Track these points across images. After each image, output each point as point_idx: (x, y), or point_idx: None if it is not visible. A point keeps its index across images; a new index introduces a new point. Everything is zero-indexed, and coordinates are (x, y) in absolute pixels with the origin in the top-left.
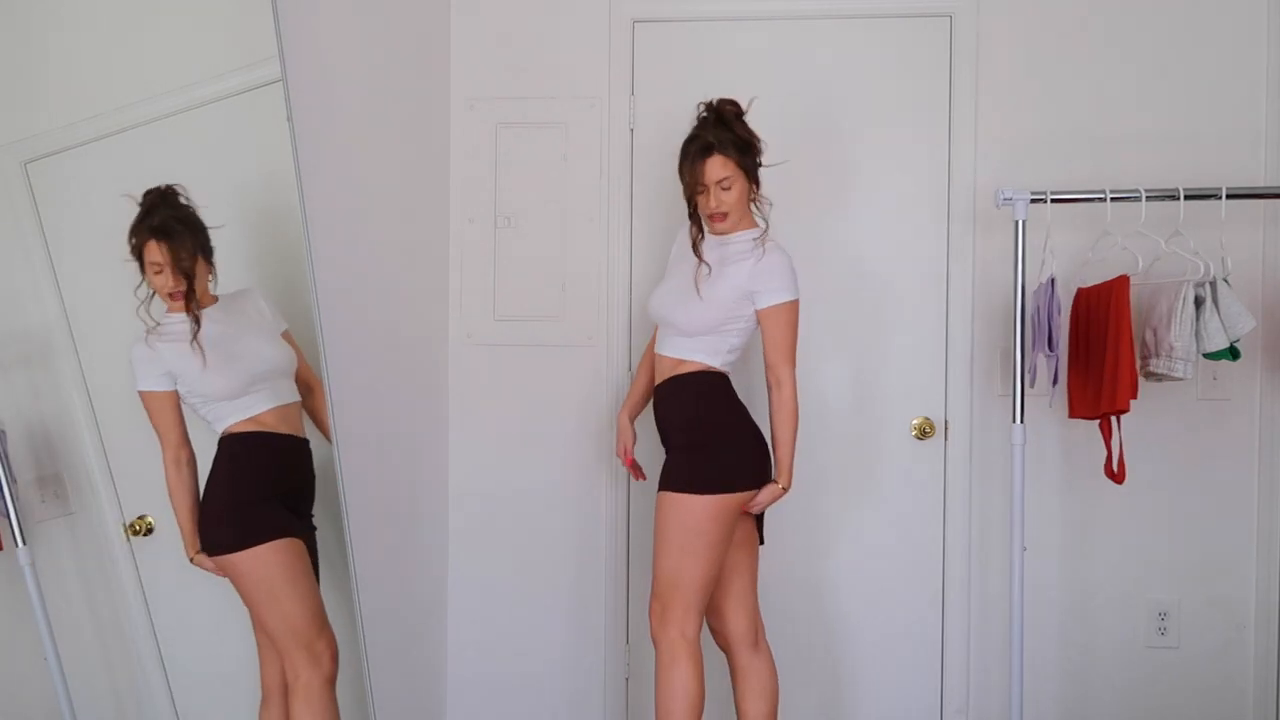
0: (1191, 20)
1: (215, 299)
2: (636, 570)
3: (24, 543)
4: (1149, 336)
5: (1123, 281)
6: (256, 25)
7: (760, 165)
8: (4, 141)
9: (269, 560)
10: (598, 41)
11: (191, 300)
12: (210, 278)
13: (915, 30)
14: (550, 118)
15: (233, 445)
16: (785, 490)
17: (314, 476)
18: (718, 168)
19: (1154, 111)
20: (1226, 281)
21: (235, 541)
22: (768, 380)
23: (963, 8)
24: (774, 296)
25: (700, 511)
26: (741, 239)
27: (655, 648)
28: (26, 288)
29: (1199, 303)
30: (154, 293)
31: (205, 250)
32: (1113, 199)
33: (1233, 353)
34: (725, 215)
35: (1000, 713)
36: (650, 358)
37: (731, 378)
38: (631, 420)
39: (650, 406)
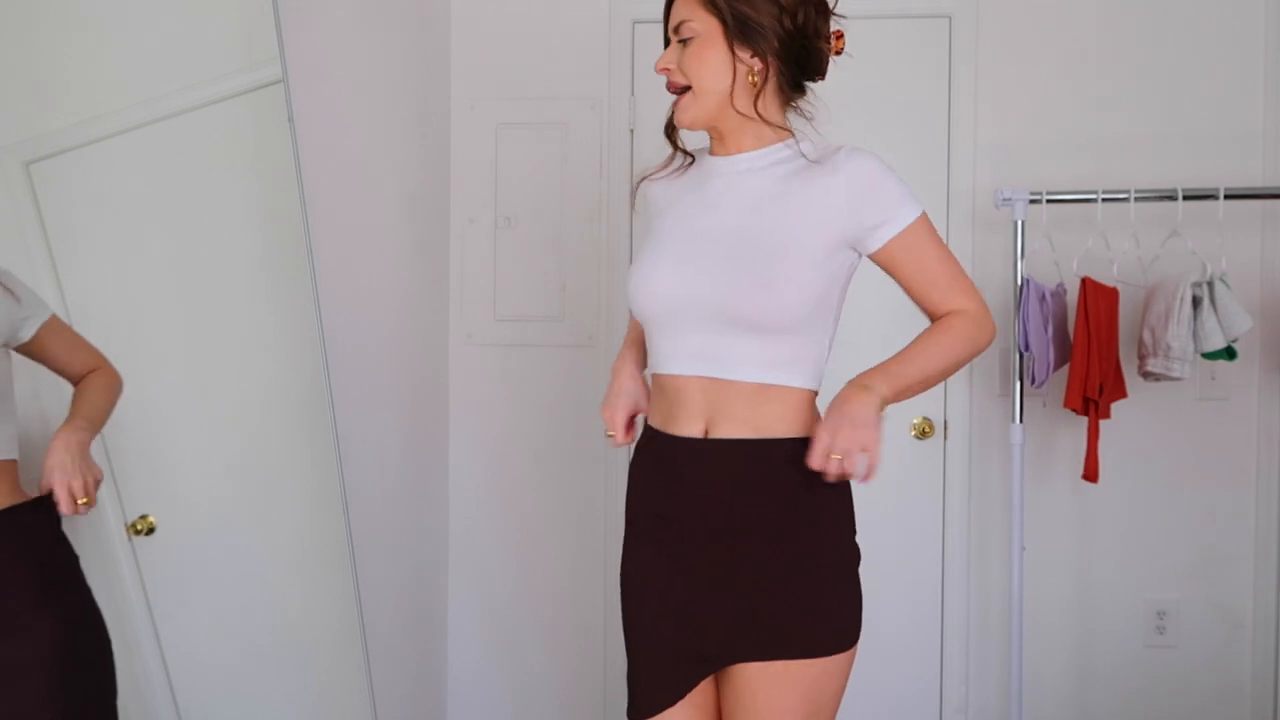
0: (1190, 21)
1: None
2: None
3: None
4: (1146, 336)
5: (1083, 284)
6: (257, 26)
7: (790, 34)
8: (6, 142)
9: None
10: (598, 41)
11: None
12: None
13: (915, 30)
14: (550, 118)
15: None
16: (873, 399)
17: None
18: (679, 4)
19: (1152, 112)
20: (1224, 281)
21: None
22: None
23: (962, 8)
24: (903, 213)
25: (846, 675)
26: (771, 152)
27: None
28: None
29: (1196, 303)
30: None
31: None
32: (1111, 199)
33: (1229, 353)
34: (680, 89)
35: (1000, 712)
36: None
37: None
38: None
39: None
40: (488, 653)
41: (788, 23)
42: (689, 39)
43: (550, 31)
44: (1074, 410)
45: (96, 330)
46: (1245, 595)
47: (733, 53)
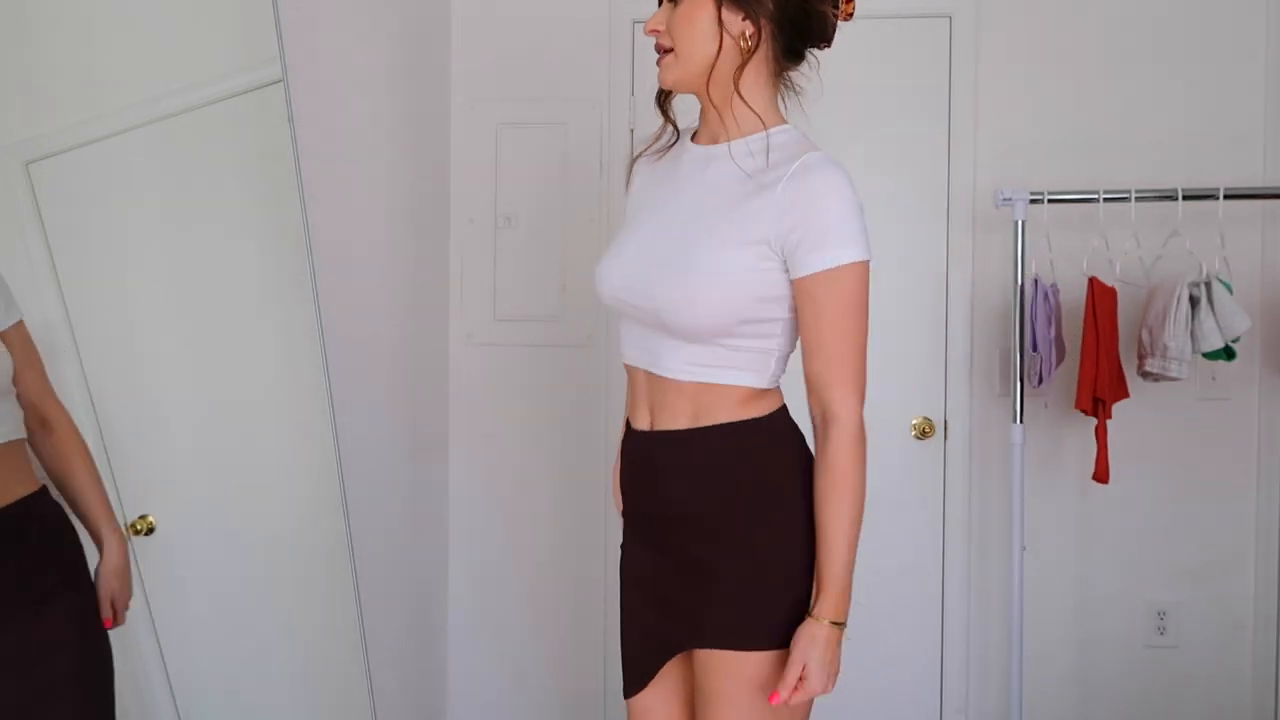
0: (1191, 21)
1: None
2: None
3: None
4: (1145, 336)
5: (1089, 284)
6: (257, 26)
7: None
8: (6, 142)
9: None
10: (598, 41)
11: None
12: None
13: (915, 30)
14: (550, 118)
15: None
16: (837, 632)
17: (54, 542)
18: None
19: (1153, 111)
20: (1223, 281)
21: None
22: (812, 414)
23: (963, 8)
24: (837, 252)
25: (769, 675)
26: (742, 146)
27: None
28: (27, 288)
29: (1195, 303)
30: None
31: None
32: (1111, 199)
33: (1228, 353)
34: (665, 50)
35: (1000, 713)
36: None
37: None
38: None
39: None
40: (488, 653)
41: None
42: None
43: (550, 31)
44: (1084, 411)
45: (96, 330)
46: (1246, 595)
47: (720, 15)
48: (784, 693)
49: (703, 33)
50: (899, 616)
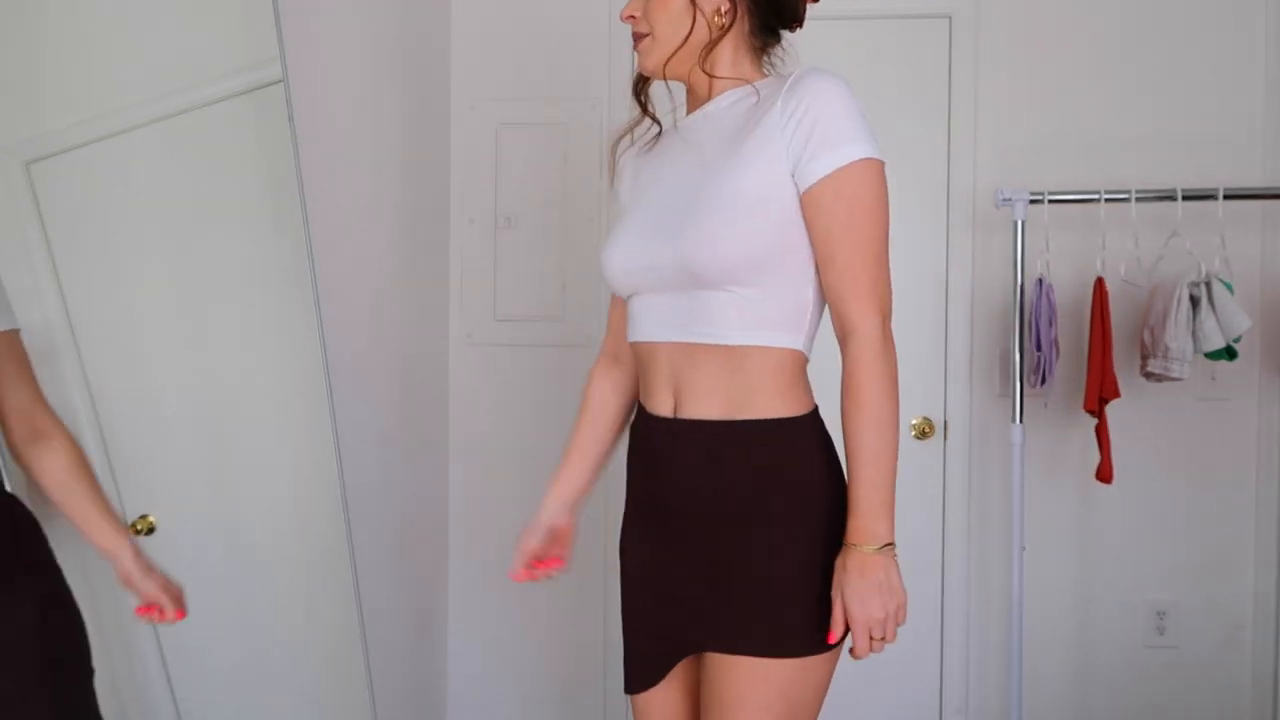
0: (1190, 21)
1: None
2: None
3: None
4: (1146, 336)
5: (1096, 284)
6: (257, 26)
7: None
8: (6, 142)
9: None
10: (598, 41)
11: None
12: None
13: (915, 31)
14: (550, 118)
15: None
16: (876, 557)
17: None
18: None
19: (1153, 112)
20: (1223, 281)
21: None
22: (838, 337)
23: (962, 8)
24: (846, 149)
25: (820, 681)
26: (725, 99)
27: None
28: (27, 288)
29: (1195, 303)
30: None
31: None
32: (1111, 199)
33: (1229, 353)
34: (641, 35)
35: (999, 712)
36: (610, 381)
37: None
38: (570, 510)
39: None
40: (488, 653)
41: None
42: None
43: (550, 31)
44: (1091, 412)
45: (96, 330)
46: (1245, 595)
47: None
48: (860, 653)
49: (677, 13)
50: None
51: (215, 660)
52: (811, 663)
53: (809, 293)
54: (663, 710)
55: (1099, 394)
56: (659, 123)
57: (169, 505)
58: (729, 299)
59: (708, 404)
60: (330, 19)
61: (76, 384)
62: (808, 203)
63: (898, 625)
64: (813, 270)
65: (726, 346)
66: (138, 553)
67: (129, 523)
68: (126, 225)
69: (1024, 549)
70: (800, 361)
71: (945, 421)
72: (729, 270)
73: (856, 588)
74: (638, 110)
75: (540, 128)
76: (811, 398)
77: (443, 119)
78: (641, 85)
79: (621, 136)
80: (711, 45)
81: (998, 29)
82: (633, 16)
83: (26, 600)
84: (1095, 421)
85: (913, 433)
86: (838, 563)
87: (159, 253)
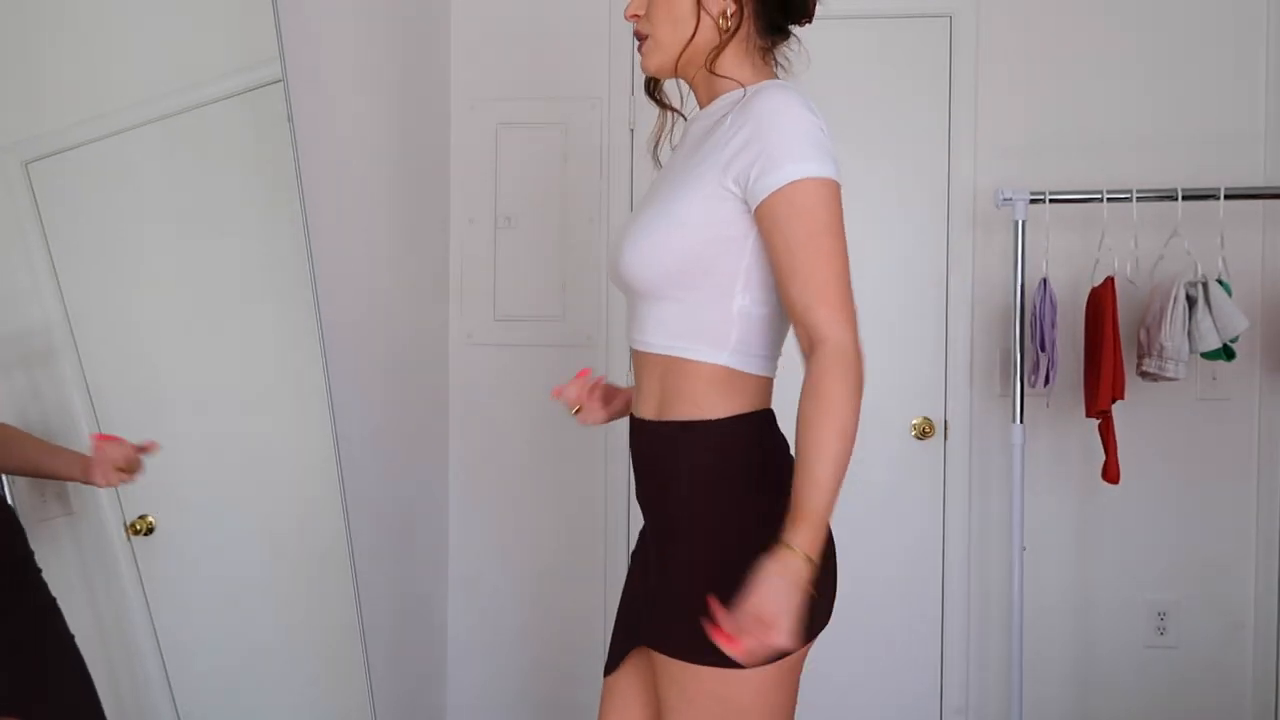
0: (1191, 20)
1: None
2: None
3: None
4: (1142, 336)
5: (1108, 283)
6: (257, 25)
7: None
8: (5, 142)
9: None
10: (598, 41)
11: None
12: None
13: (915, 30)
14: (550, 118)
15: None
16: (807, 569)
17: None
18: None
19: (1153, 112)
20: (1221, 282)
21: None
22: (802, 343)
23: (963, 8)
24: (786, 169)
25: (751, 699)
26: (717, 105)
27: None
28: (26, 288)
29: (1192, 303)
30: None
31: None
32: (1111, 199)
33: (1227, 353)
34: (643, 36)
35: (1000, 713)
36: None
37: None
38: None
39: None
40: (487, 653)
41: None
42: None
43: (550, 31)
44: (1102, 412)
45: (96, 330)
46: (1245, 595)
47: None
48: (727, 627)
49: (682, 15)
50: (899, 617)
51: (215, 660)
52: (735, 676)
53: (735, 307)
54: (621, 695)
55: (1111, 394)
56: (682, 114)
57: (169, 505)
58: (661, 309)
59: (647, 405)
60: (330, 19)
61: (76, 384)
62: (761, 217)
63: (770, 644)
64: (743, 280)
65: (657, 355)
66: (103, 462)
67: (129, 522)
68: (126, 225)
69: (1024, 549)
70: (726, 376)
71: (945, 421)
72: (647, 278)
73: (781, 594)
74: (657, 111)
75: (540, 128)
76: (751, 399)
77: (443, 119)
78: (655, 84)
79: (657, 144)
80: (720, 49)
81: (998, 29)
82: (636, 16)
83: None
84: (1096, 422)
85: (913, 433)
86: (774, 558)
87: (158, 253)
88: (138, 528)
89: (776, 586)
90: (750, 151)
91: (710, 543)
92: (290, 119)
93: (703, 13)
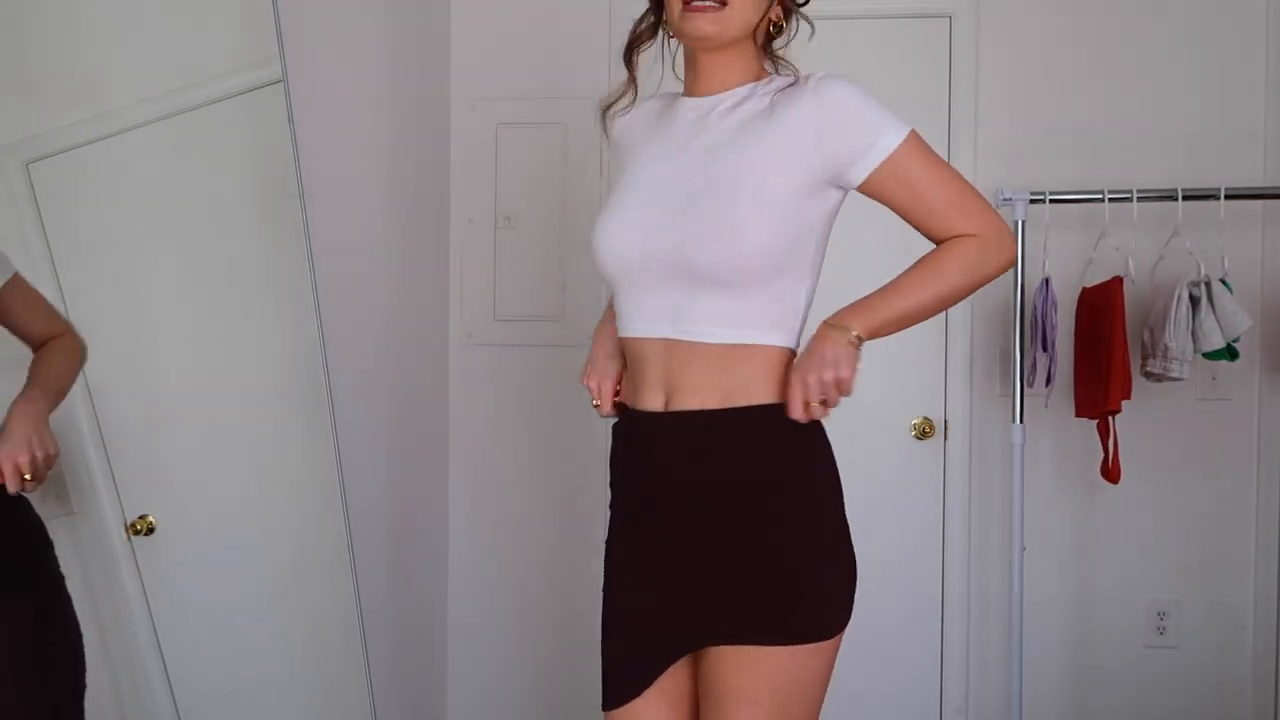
0: (1191, 20)
1: None
2: None
3: None
4: (1146, 336)
5: (1116, 283)
6: (257, 26)
7: None
8: (6, 141)
9: None
10: (598, 41)
11: None
12: None
13: (915, 30)
14: (550, 118)
15: None
16: (848, 336)
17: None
18: None
19: (1154, 112)
20: (1224, 282)
21: None
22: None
23: (963, 8)
24: (884, 140)
25: (823, 669)
26: (742, 91)
27: None
28: None
29: (1195, 303)
30: None
31: None
32: (1111, 199)
33: (1230, 352)
34: (723, 3)
35: (999, 713)
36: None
37: None
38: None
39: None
40: (488, 652)
41: None
42: None
43: (550, 31)
44: (1114, 411)
45: (95, 330)
46: (1245, 595)
47: None
48: (795, 412)
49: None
50: (899, 616)
51: (215, 660)
52: (809, 651)
53: (804, 293)
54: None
55: (1122, 394)
56: (636, 93)
57: (169, 505)
58: (729, 297)
59: (701, 398)
60: (330, 19)
61: (76, 384)
62: (872, 190)
63: (839, 394)
64: (809, 272)
65: (723, 345)
66: (34, 415)
67: (129, 522)
68: (126, 225)
69: (1024, 549)
70: (790, 359)
71: (945, 421)
72: (739, 268)
73: (802, 361)
74: (625, 76)
75: (540, 128)
76: None
77: (443, 119)
78: (632, 52)
79: (612, 103)
80: (773, 37)
81: (998, 29)
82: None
83: (8, 613)
84: (1096, 421)
85: (913, 433)
86: (819, 331)
87: (158, 253)
88: (138, 528)
89: (833, 340)
90: (836, 127)
91: (813, 517)
92: (290, 119)
93: (770, 6)
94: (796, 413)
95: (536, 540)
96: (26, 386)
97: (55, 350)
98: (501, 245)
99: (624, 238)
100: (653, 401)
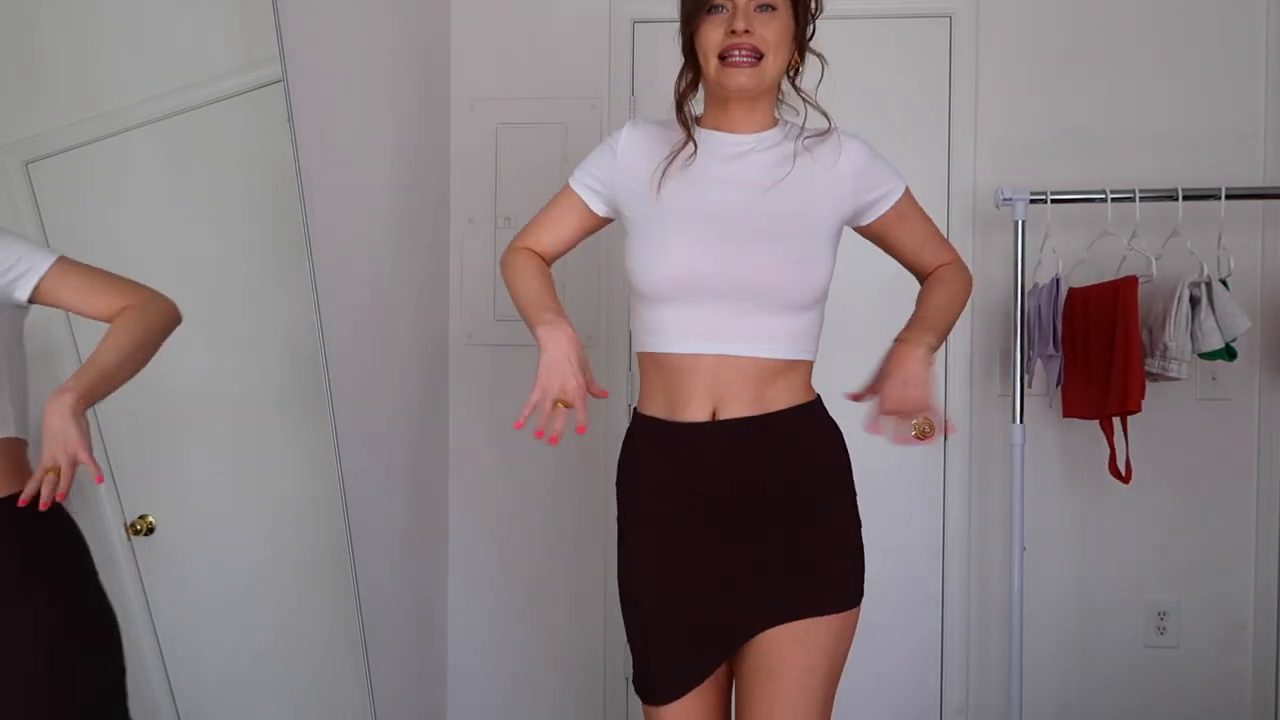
0: (1191, 20)
1: None
2: None
3: None
4: (1145, 336)
5: (1130, 282)
6: (257, 25)
7: (813, 25)
8: (5, 141)
9: None
10: (598, 41)
11: None
12: None
13: (915, 30)
14: (550, 118)
15: None
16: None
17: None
18: None
19: (1154, 111)
20: (1224, 282)
21: None
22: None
23: (963, 8)
24: (897, 186)
25: (854, 630)
26: (777, 134)
27: None
28: None
29: (1194, 303)
30: None
31: None
32: (1112, 199)
33: (1229, 353)
34: (758, 58)
35: (1000, 712)
36: (546, 279)
37: None
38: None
39: None
40: (488, 653)
41: (813, 14)
42: (772, 7)
43: (550, 31)
44: (1134, 410)
45: (95, 330)
46: (1246, 595)
47: (797, 32)
48: (884, 427)
49: (787, 43)
50: (899, 616)
51: (215, 660)
52: (849, 616)
53: (823, 313)
54: (708, 712)
55: (1140, 393)
56: (696, 147)
57: (169, 505)
58: (789, 319)
59: (746, 406)
60: (330, 19)
61: None
62: (882, 225)
63: (930, 416)
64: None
65: (774, 360)
66: (58, 411)
67: (129, 522)
68: (125, 225)
69: (1024, 549)
70: (812, 369)
71: (946, 422)
72: (809, 294)
73: (892, 379)
74: (671, 115)
75: (540, 128)
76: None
77: (443, 119)
78: (681, 109)
79: (674, 156)
80: (795, 78)
81: (998, 29)
82: (747, 31)
83: (31, 609)
84: (1098, 422)
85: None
86: (904, 349)
87: (158, 252)
88: (138, 528)
89: (918, 358)
90: (866, 178)
91: (850, 493)
92: (290, 119)
93: (794, 45)
94: (887, 428)
95: (537, 539)
96: (75, 377)
97: (113, 329)
98: (501, 245)
99: (681, 261)
100: (698, 413)
